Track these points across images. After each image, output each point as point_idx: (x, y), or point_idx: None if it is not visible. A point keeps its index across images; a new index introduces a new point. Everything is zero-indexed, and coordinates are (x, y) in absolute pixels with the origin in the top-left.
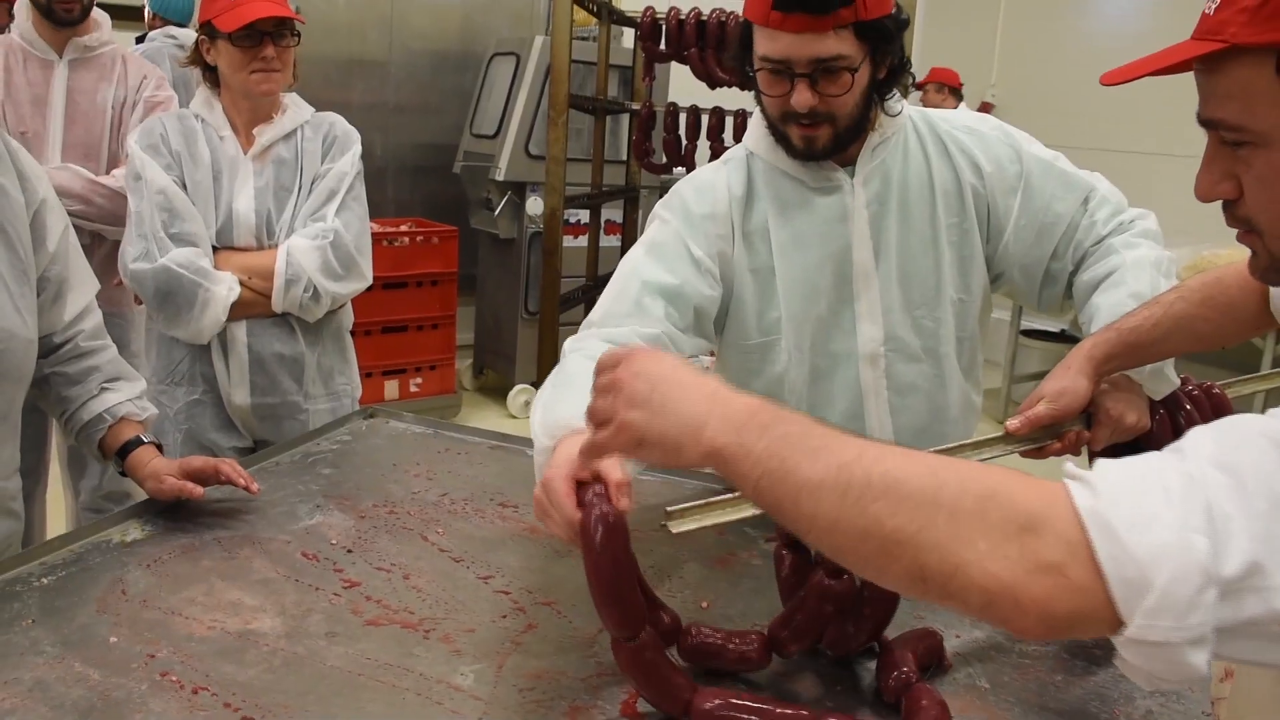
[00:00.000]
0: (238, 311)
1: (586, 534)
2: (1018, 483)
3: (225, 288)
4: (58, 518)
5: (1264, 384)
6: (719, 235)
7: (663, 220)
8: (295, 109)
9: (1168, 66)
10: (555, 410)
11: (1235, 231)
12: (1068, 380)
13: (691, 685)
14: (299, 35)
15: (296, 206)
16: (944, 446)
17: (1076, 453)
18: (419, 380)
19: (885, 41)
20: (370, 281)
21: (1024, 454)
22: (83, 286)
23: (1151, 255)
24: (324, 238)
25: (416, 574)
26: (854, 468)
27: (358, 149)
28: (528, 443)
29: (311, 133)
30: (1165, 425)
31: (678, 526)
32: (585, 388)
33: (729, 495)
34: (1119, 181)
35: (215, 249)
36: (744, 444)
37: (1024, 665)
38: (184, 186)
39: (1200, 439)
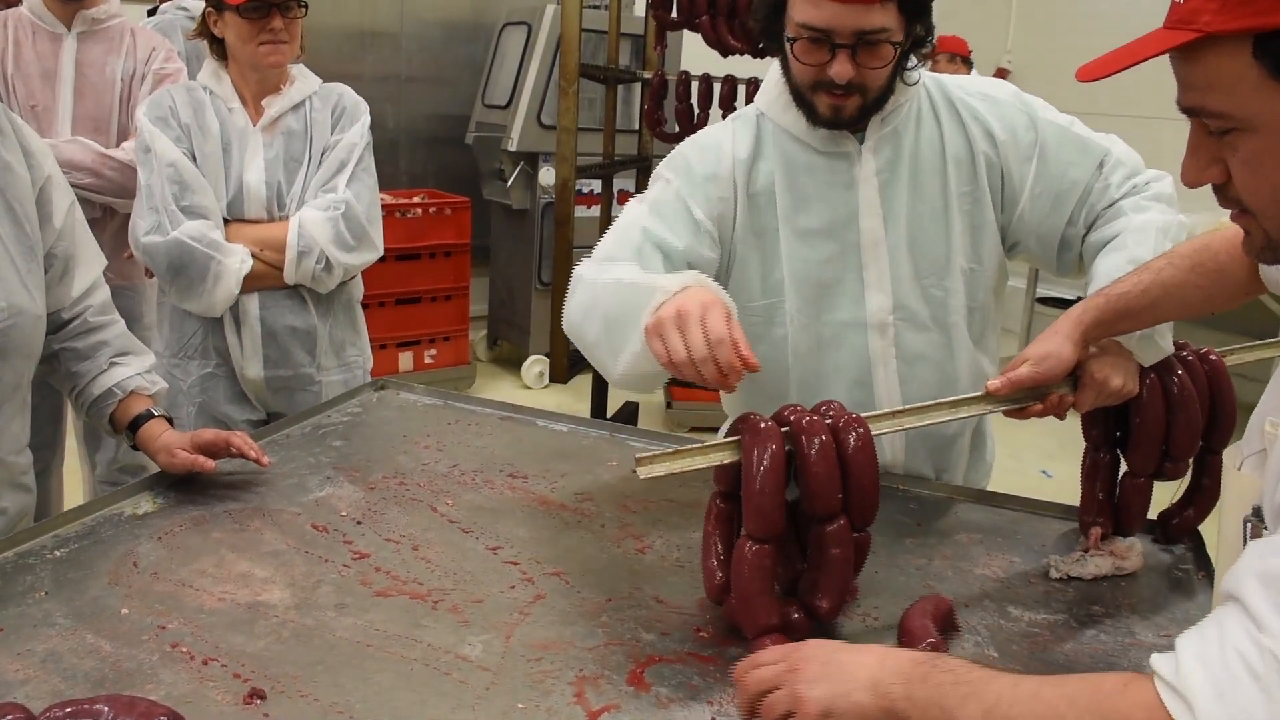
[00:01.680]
0: (250, 284)
1: (757, 436)
2: (1125, 701)
3: (237, 260)
4: (74, 490)
5: (1264, 352)
6: (720, 197)
7: (665, 181)
8: (303, 80)
9: (1143, 58)
10: (658, 278)
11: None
12: (1053, 345)
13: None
14: (306, 6)
15: (307, 178)
16: (925, 403)
17: (1060, 415)
18: (433, 352)
19: (921, 14)
20: (381, 252)
21: (1006, 413)
22: (90, 262)
23: (1159, 220)
24: (335, 209)
25: (425, 545)
26: (994, 714)
27: (366, 119)
28: (538, 414)
29: (320, 104)
30: (1156, 390)
31: (646, 472)
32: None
33: (696, 445)
34: (1137, 146)
35: (226, 221)
36: (912, 697)
37: (1033, 634)
38: (194, 159)
39: (1258, 589)
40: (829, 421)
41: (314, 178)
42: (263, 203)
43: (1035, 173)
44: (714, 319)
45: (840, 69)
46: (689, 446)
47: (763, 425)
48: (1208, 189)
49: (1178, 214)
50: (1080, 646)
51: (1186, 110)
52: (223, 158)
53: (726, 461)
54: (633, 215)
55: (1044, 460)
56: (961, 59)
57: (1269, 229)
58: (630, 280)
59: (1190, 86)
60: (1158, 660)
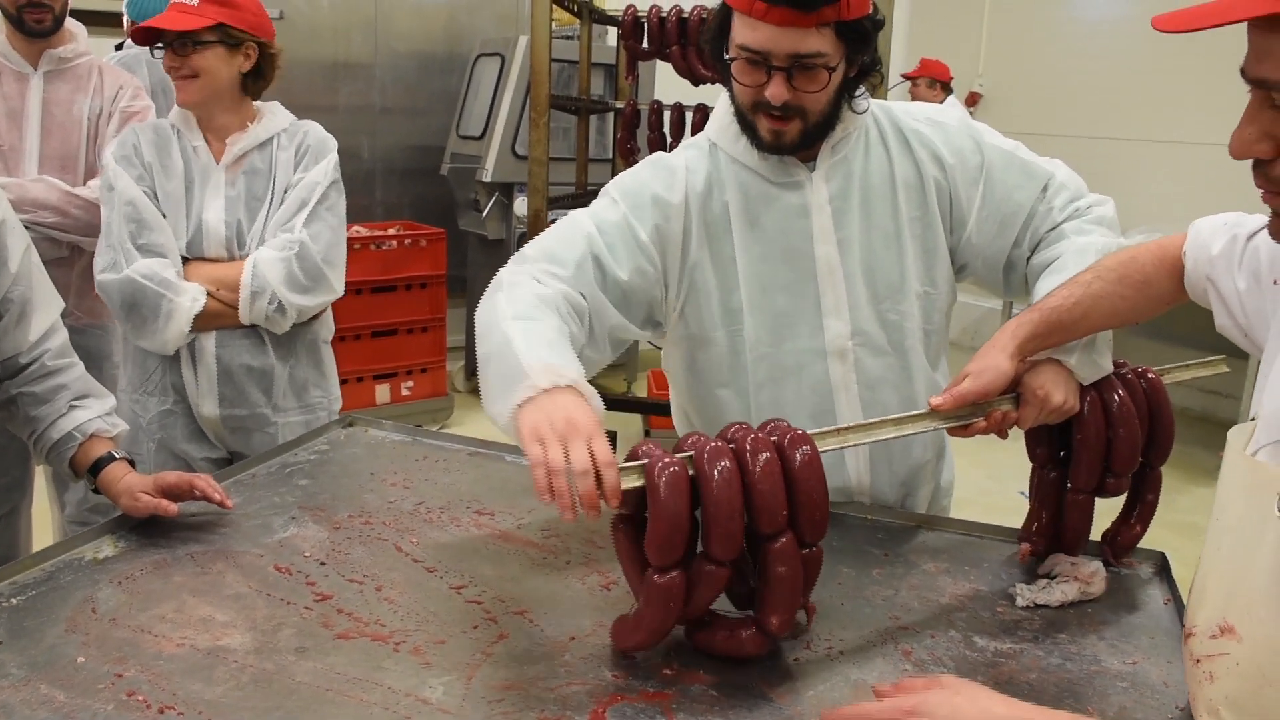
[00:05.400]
0: (208, 322)
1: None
2: None
3: (189, 299)
4: (44, 531)
5: (1200, 370)
6: (669, 222)
7: (612, 200)
8: (270, 117)
9: (1234, 20)
10: (541, 352)
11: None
12: (991, 358)
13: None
14: (216, 40)
15: (268, 217)
16: (871, 420)
17: (1003, 433)
18: (410, 384)
19: (862, 42)
20: (339, 294)
21: (951, 431)
22: (47, 305)
23: (1100, 242)
24: (289, 249)
25: (389, 585)
26: None
27: (333, 158)
28: (506, 449)
29: (286, 141)
30: (1096, 407)
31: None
32: (554, 339)
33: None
34: (1105, 168)
35: (187, 260)
36: None
37: (998, 664)
38: (155, 197)
39: None
40: (774, 439)
41: (274, 217)
42: (222, 242)
43: (982, 196)
44: (602, 443)
45: (775, 91)
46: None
47: (663, 454)
48: (1180, 208)
49: (1119, 237)
50: (1046, 676)
51: (1255, 80)
52: (185, 196)
53: (631, 486)
54: (578, 224)
55: (1022, 481)
56: (941, 85)
57: None
58: (515, 347)
59: (1270, 57)
60: None
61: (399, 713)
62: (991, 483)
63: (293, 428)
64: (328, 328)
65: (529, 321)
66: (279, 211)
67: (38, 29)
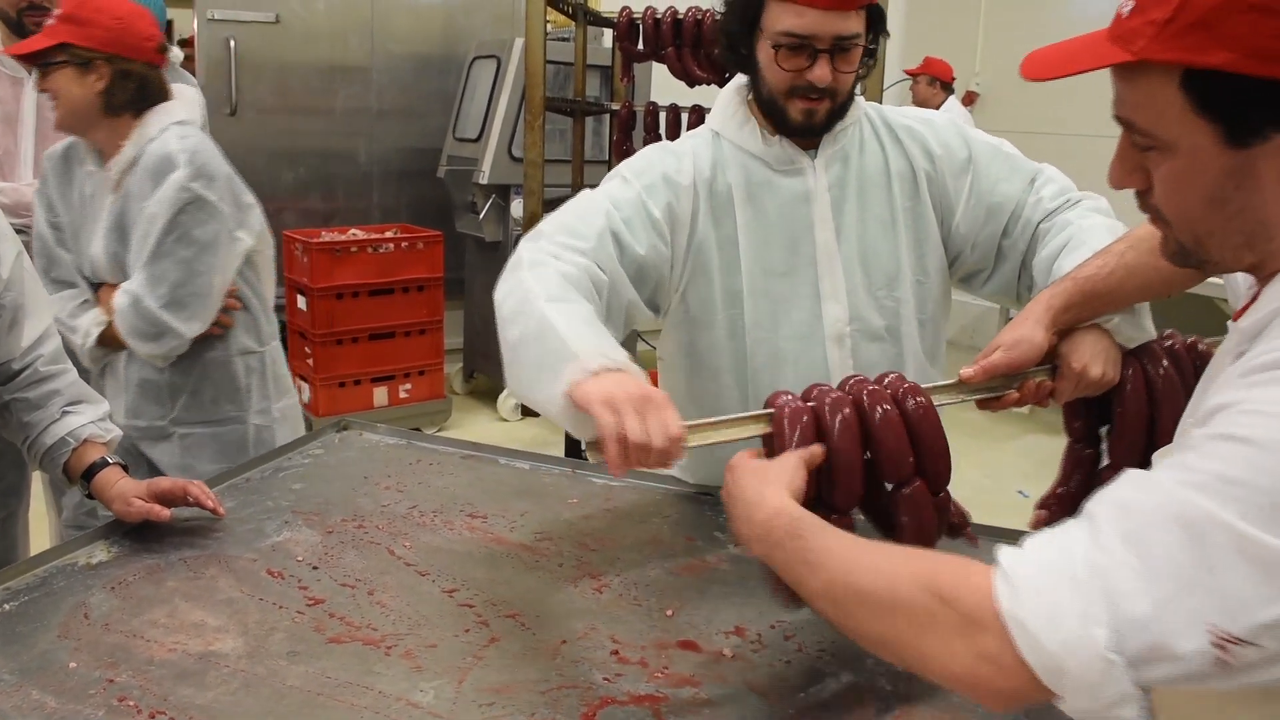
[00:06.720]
0: (115, 345)
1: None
2: (958, 580)
3: (80, 336)
4: (41, 535)
5: None
6: (679, 201)
7: (623, 180)
8: (140, 131)
9: (1086, 69)
10: (585, 334)
11: None
12: (1025, 330)
13: None
14: (64, 60)
15: (137, 246)
16: None
17: (1042, 403)
18: (408, 386)
19: (881, 24)
20: (190, 336)
21: (980, 405)
22: (40, 311)
23: (1107, 222)
24: (124, 298)
25: (381, 589)
26: (836, 585)
27: (175, 179)
28: (500, 451)
29: (146, 158)
30: (1138, 379)
31: (693, 440)
32: (592, 321)
33: (738, 415)
34: (1101, 167)
35: (99, 284)
36: (771, 556)
37: None
38: (61, 229)
39: (1111, 513)
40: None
41: (134, 249)
42: (106, 271)
43: (970, 186)
44: (673, 415)
45: (821, 73)
46: (730, 416)
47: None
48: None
49: (1118, 223)
50: None
51: (1118, 120)
52: (82, 225)
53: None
54: (594, 201)
55: (1021, 480)
56: (941, 84)
57: (1181, 239)
58: (559, 330)
59: (1123, 101)
60: (1003, 551)
61: (390, 717)
62: (989, 481)
63: (200, 440)
64: (250, 341)
65: (564, 303)
66: (135, 247)
67: (36, 32)
